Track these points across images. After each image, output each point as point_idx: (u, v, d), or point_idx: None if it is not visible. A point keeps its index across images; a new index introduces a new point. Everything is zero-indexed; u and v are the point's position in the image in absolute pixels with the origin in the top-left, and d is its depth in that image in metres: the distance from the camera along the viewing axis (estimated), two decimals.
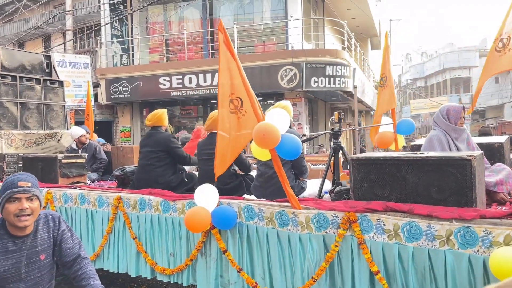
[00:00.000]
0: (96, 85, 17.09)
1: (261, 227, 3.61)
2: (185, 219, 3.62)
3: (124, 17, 18.37)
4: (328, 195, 3.70)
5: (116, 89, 16.35)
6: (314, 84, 14.10)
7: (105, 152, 6.83)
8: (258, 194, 4.11)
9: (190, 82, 15.33)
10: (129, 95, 16.26)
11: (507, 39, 3.83)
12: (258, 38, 16.97)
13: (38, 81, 7.22)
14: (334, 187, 3.85)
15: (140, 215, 4.36)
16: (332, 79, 14.28)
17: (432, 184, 3.04)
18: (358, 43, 20.23)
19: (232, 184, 4.33)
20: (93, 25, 20.71)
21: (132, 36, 18.08)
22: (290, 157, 3.44)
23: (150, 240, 4.29)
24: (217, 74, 14.66)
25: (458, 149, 3.72)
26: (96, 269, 4.63)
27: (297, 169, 4.08)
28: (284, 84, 14.14)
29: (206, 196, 3.71)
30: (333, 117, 3.99)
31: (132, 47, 18.09)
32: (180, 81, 15.46)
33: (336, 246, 3.24)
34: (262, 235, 3.60)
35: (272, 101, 16.01)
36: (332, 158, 3.99)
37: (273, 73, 14.20)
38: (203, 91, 15.20)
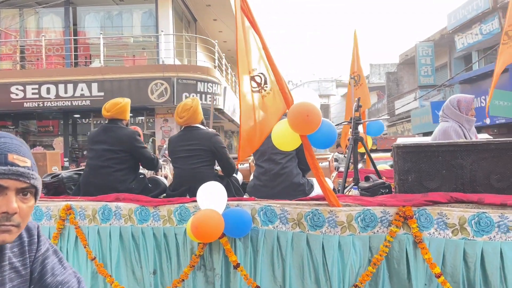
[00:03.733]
0: None
1: (284, 232, 2.99)
2: (194, 226, 2.83)
3: None
4: (357, 191, 3.24)
5: None
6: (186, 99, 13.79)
7: None
8: (261, 195, 3.46)
9: (48, 92, 13.71)
10: None
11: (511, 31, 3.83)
12: (128, 51, 16.15)
13: None
14: (354, 182, 3.41)
15: (103, 228, 3.38)
16: (203, 95, 14.28)
17: (493, 171, 2.77)
18: (229, 65, 20.51)
19: None
20: None
21: None
22: (324, 145, 2.92)
23: (119, 259, 3.34)
24: (79, 85, 13.59)
25: None
26: None
27: (304, 164, 3.55)
28: (155, 98, 13.68)
29: (214, 197, 2.97)
30: (355, 103, 3.57)
31: None
32: (36, 90, 13.71)
33: (386, 246, 2.78)
34: (285, 242, 2.98)
35: (142, 117, 15.27)
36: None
37: (143, 86, 13.75)
38: (64, 103, 13.75)
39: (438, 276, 2.67)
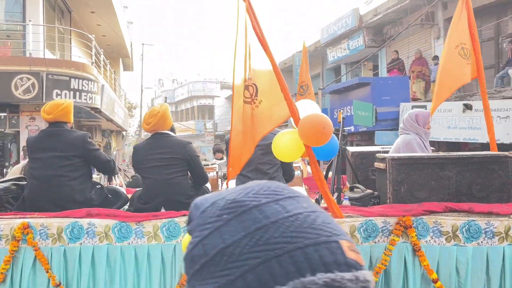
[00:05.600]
0: None
1: None
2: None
3: None
4: (348, 201, 3.29)
5: None
6: (57, 97, 12.80)
7: None
8: None
9: None
10: None
11: (466, 49, 4.00)
12: None
13: None
14: (337, 192, 3.44)
15: (70, 248, 2.94)
16: (77, 93, 13.36)
17: (475, 182, 3.05)
18: (108, 61, 19.49)
19: (195, 197, 3.38)
20: None
21: None
22: (327, 157, 2.94)
23: (90, 284, 2.94)
24: None
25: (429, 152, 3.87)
26: None
27: (288, 175, 3.51)
28: (20, 94, 12.38)
29: None
30: (343, 115, 3.61)
31: None
32: None
33: (387, 255, 2.88)
34: None
35: (4, 113, 13.77)
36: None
37: (6, 80, 12.29)
38: None
39: (435, 282, 2.85)
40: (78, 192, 3.29)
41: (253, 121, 2.91)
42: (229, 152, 3.08)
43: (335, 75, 21.71)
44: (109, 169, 3.57)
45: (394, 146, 3.90)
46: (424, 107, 12.92)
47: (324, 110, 18.70)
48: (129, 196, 3.69)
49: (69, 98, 12.92)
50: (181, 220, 2.97)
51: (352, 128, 16.44)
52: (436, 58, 13.63)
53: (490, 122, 3.87)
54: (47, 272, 2.92)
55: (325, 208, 3.00)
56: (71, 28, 17.42)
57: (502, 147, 8.31)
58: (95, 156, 3.42)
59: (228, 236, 0.59)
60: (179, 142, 3.46)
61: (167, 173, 3.33)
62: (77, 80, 13.12)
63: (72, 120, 3.54)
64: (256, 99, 2.92)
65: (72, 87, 13.01)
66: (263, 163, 3.36)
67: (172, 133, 3.54)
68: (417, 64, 14.34)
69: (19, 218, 3.03)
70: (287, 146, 2.87)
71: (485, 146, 4.23)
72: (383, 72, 17.53)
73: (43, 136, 3.42)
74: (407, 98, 14.09)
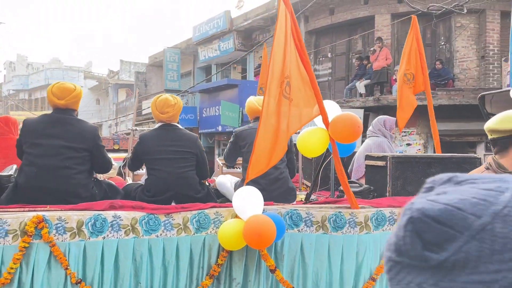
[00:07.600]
0: None
1: (308, 235, 3.09)
2: (257, 233, 2.66)
3: None
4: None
5: None
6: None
7: None
8: None
9: None
10: None
11: (410, 74, 4.56)
12: None
13: None
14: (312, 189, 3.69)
15: (92, 243, 2.71)
16: None
17: None
18: None
19: (203, 192, 3.34)
20: None
21: None
22: (346, 153, 3.19)
23: (111, 283, 2.76)
24: None
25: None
26: None
27: (292, 172, 3.65)
28: None
29: (256, 202, 2.85)
30: None
31: None
32: None
33: None
34: (308, 245, 3.08)
35: None
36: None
37: None
38: None
39: None
40: (83, 186, 3.05)
41: (288, 114, 3.01)
42: (253, 150, 3.05)
43: (205, 74, 21.82)
44: (107, 170, 3.40)
45: (364, 147, 4.31)
46: None
47: (193, 109, 18.74)
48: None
49: None
50: (211, 212, 2.95)
51: (220, 128, 16.76)
52: None
53: (435, 130, 4.47)
54: (66, 269, 2.66)
55: (333, 201, 3.28)
56: None
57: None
58: (101, 153, 3.22)
59: None
60: (189, 135, 3.43)
61: (179, 167, 3.26)
62: None
63: (78, 109, 3.29)
64: (290, 96, 3.04)
65: None
66: None
67: (180, 125, 3.48)
68: None
69: (29, 211, 2.70)
70: (315, 143, 3.05)
71: None
72: (251, 75, 18.03)
73: (49, 121, 3.12)
74: None
